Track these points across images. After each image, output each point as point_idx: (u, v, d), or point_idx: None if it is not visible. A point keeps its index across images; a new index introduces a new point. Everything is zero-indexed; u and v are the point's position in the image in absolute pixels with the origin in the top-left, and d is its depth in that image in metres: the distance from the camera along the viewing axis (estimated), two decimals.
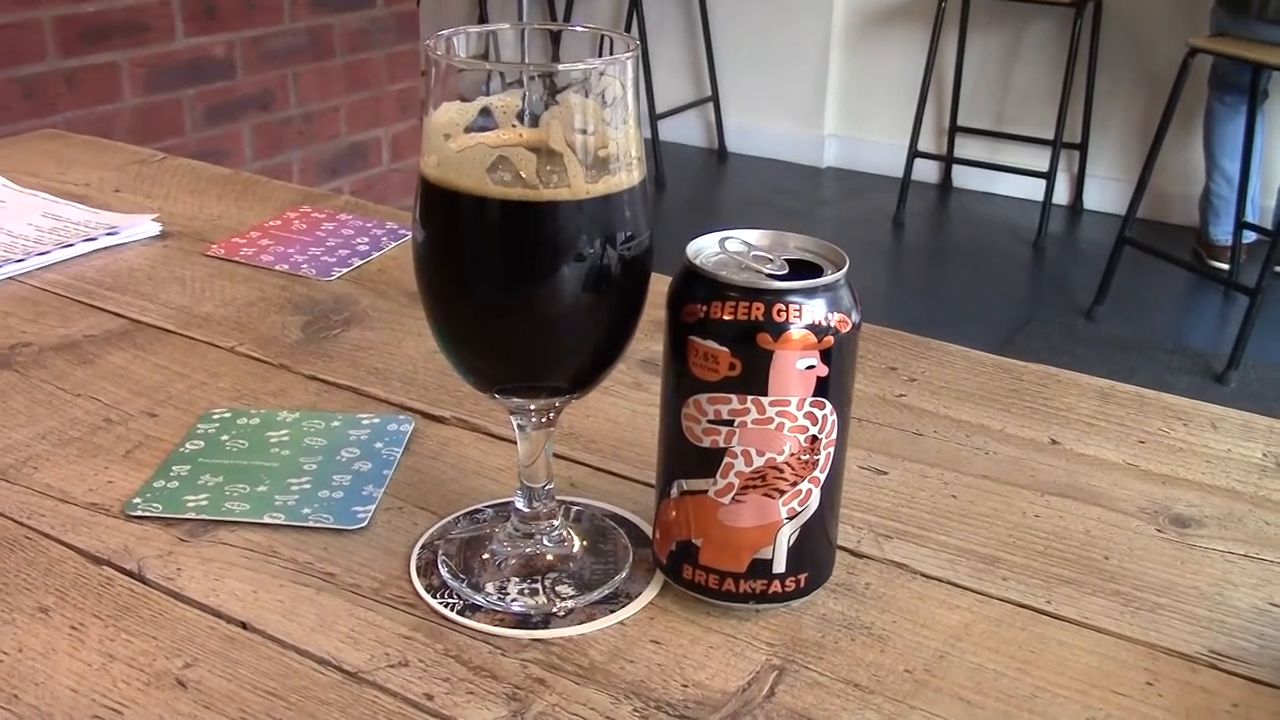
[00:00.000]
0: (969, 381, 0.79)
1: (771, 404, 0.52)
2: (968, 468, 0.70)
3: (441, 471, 0.68)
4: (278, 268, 0.94)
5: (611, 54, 0.52)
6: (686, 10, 4.69)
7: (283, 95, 2.81)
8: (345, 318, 0.86)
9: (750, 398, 0.52)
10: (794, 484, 0.54)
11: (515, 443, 0.59)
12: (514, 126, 0.52)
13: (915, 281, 3.86)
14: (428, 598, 0.57)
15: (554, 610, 0.56)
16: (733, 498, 0.54)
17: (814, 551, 0.56)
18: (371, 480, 0.66)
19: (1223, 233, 3.59)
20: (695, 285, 0.53)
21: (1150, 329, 3.34)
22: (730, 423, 0.53)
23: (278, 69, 2.78)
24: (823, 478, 0.55)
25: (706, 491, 0.54)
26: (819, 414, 0.53)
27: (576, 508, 0.64)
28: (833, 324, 0.52)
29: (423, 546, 0.60)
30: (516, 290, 0.52)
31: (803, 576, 0.56)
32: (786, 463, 0.53)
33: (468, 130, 0.53)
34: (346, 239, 0.99)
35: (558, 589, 0.57)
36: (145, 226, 1.00)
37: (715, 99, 4.70)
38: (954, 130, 4.32)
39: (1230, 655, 0.55)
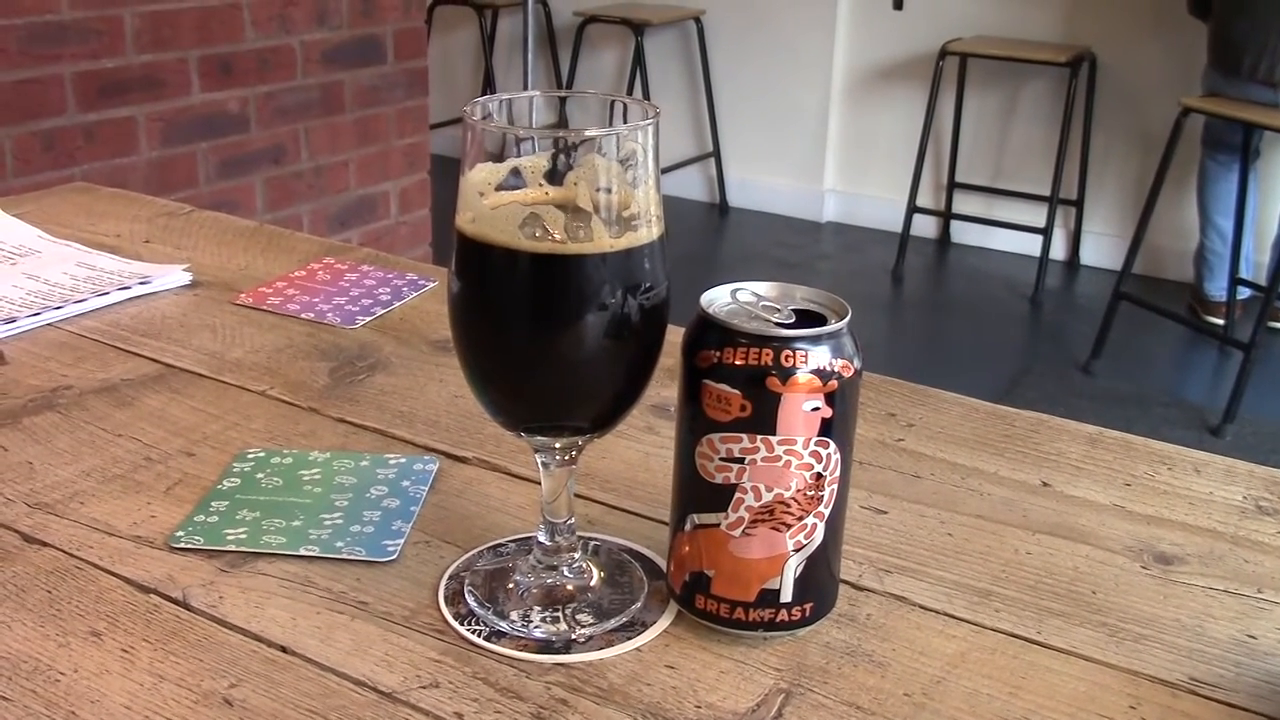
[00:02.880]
0: (964, 427, 0.83)
1: (780, 443, 0.56)
2: (963, 508, 0.74)
3: (465, 508, 0.72)
4: (304, 316, 0.98)
5: (626, 118, 0.57)
6: (689, 67, 4.78)
7: (294, 149, 2.87)
8: (370, 364, 0.90)
9: (760, 437, 0.56)
10: (800, 518, 0.58)
11: (535, 482, 0.63)
12: (540, 185, 0.57)
13: (914, 334, 3.91)
14: (456, 624, 0.60)
15: (575, 637, 0.60)
16: (743, 531, 0.58)
17: (818, 583, 0.60)
18: (400, 516, 0.70)
19: (1217, 288, 3.64)
20: (709, 333, 0.57)
21: (1146, 383, 3.39)
22: (741, 460, 0.57)
23: (289, 124, 2.84)
24: (827, 513, 0.59)
25: (718, 525, 0.58)
26: (824, 453, 0.57)
27: (595, 542, 0.67)
28: (836, 369, 0.56)
29: (450, 577, 0.64)
30: (544, 337, 0.56)
31: (808, 606, 0.60)
32: (793, 498, 0.57)
33: (499, 189, 0.57)
34: (369, 289, 1.03)
35: (578, 617, 0.61)
36: (176, 276, 1.04)
37: (717, 154, 4.77)
38: (952, 186, 4.40)
39: (1209, 682, 0.59)
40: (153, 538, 0.68)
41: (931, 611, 0.64)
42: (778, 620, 0.60)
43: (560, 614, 0.61)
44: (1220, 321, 3.60)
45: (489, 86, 4.80)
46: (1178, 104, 3.33)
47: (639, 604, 0.62)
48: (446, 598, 0.63)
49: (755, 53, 4.68)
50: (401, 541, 0.67)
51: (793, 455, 0.57)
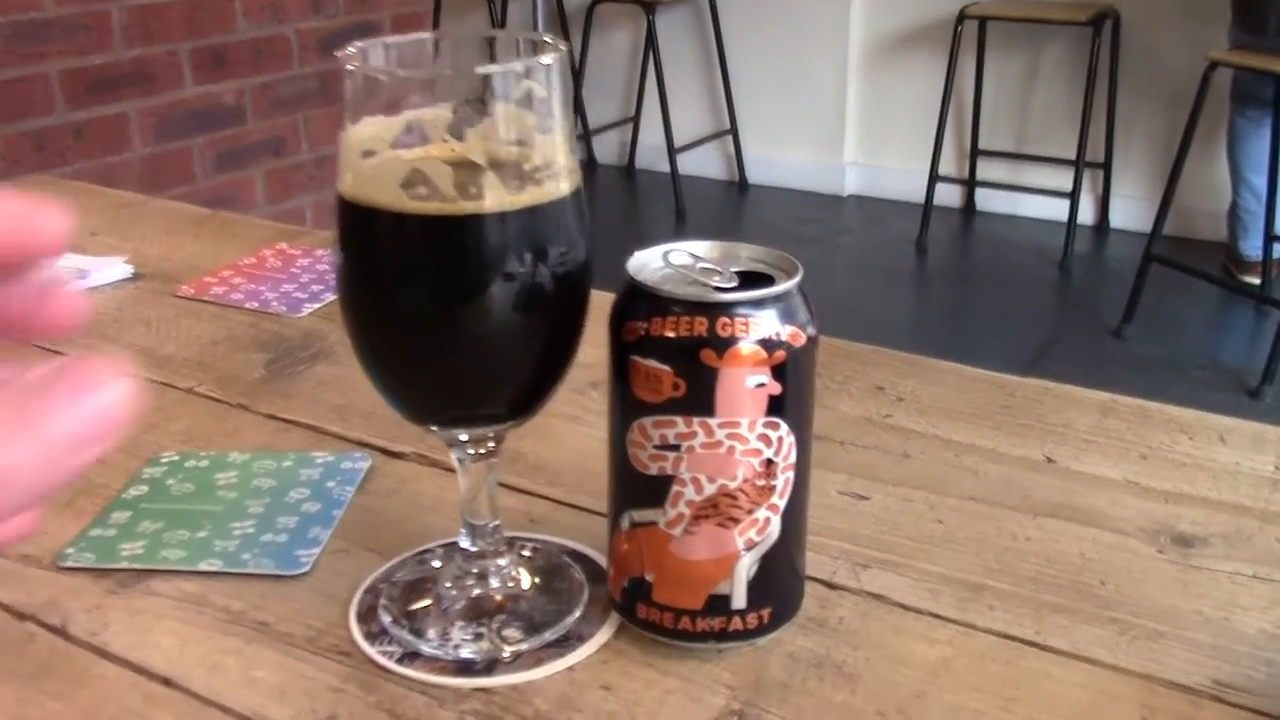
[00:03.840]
0: (960, 399, 0.75)
1: (720, 426, 0.48)
2: (955, 490, 0.65)
3: (395, 510, 0.64)
4: (247, 305, 0.91)
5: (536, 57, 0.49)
6: (702, 44, 4.69)
7: (294, 140, 2.81)
8: (312, 354, 0.83)
9: (697, 420, 0.48)
10: (750, 512, 0.50)
11: None
12: (445, 141, 0.49)
13: (940, 305, 3.80)
14: (365, 645, 0.53)
15: (500, 656, 0.52)
16: (684, 529, 0.50)
17: (778, 584, 0.52)
18: (319, 522, 0.62)
19: (1252, 248, 3.52)
20: (636, 301, 0.49)
21: (1181, 346, 3.27)
22: (677, 448, 0.49)
23: (288, 114, 2.78)
24: (782, 504, 0.51)
25: (656, 523, 0.50)
26: (774, 435, 0.49)
27: (533, 544, 0.60)
28: (784, 338, 0.48)
29: (365, 591, 0.57)
30: (440, 312, 0.48)
31: (766, 612, 0.52)
32: (740, 489, 0.49)
33: (395, 147, 0.49)
34: (321, 274, 0.96)
35: (505, 632, 0.53)
36: (116, 269, 0.97)
37: (734, 131, 4.67)
38: (975, 153, 4.28)
39: (1236, 686, 0.51)
40: (41, 556, 0.61)
41: (914, 611, 0.56)
42: (730, 629, 0.52)
43: (485, 630, 0.53)
44: (1256, 281, 3.47)
45: None
46: (1204, 59, 3.20)
47: (576, 614, 0.55)
48: (359, 614, 0.55)
49: (769, 26, 4.58)
50: (316, 551, 0.60)
51: (737, 440, 0.49)
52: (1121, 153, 4.08)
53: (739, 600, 0.51)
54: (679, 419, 0.48)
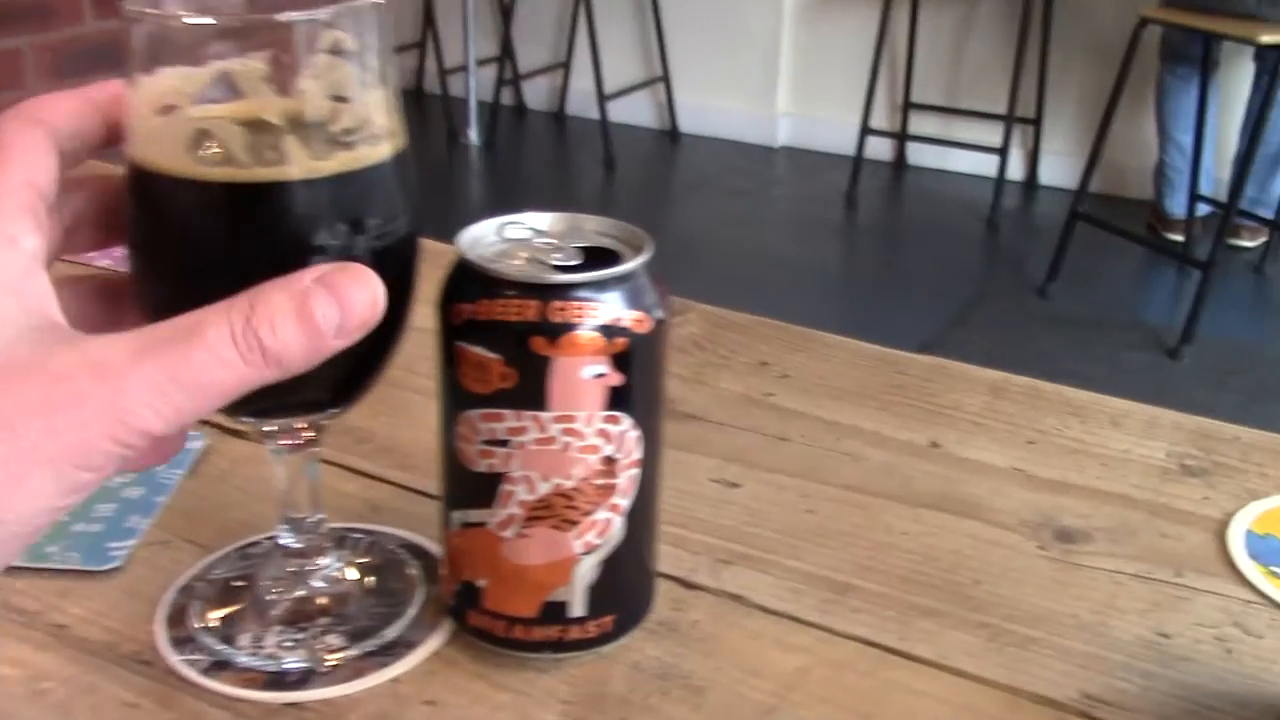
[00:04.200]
0: (848, 376, 0.71)
1: (554, 421, 0.44)
2: (833, 477, 0.62)
3: (226, 496, 0.59)
4: (100, 264, 0.84)
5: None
6: None
7: None
8: None
9: (529, 414, 0.44)
10: (588, 513, 0.45)
11: (321, 460, 0.51)
12: (261, 96, 0.43)
13: (868, 260, 3.79)
14: (169, 653, 0.48)
15: (317, 666, 0.47)
16: (516, 531, 0.46)
17: (622, 589, 0.48)
18: (139, 510, 0.57)
19: (1177, 205, 3.53)
20: (464, 280, 0.44)
21: (1104, 305, 3.28)
22: (506, 443, 0.44)
23: None
24: (625, 504, 0.46)
25: (486, 524, 0.46)
26: (614, 430, 0.45)
27: (370, 538, 0.55)
28: (627, 323, 0.44)
29: (179, 590, 0.52)
30: (239, 290, 0.43)
31: (608, 619, 0.48)
32: (577, 489, 0.45)
33: (198, 102, 0.44)
34: None
35: (326, 639, 0.49)
36: None
37: (666, 79, 4.61)
38: (907, 107, 4.25)
39: (1107, 700, 0.47)
40: None
41: (773, 615, 0.52)
42: (568, 639, 0.47)
43: (304, 637, 0.49)
44: (1180, 239, 3.49)
45: (430, 26, 4.60)
46: (1135, 15, 3.19)
47: (407, 619, 0.50)
48: (168, 618, 0.50)
49: None
50: (131, 544, 0.55)
51: (572, 435, 0.44)
52: (1053, 109, 4.07)
53: (577, 608, 0.47)
54: (508, 412, 0.44)
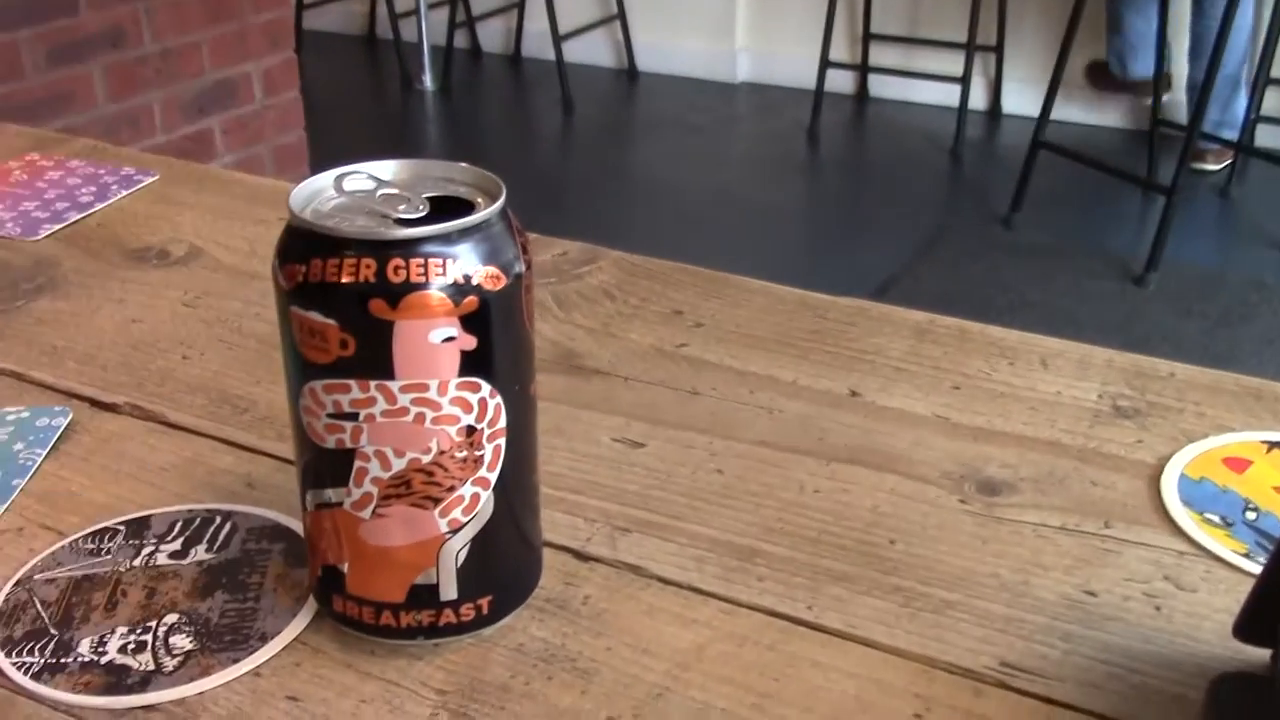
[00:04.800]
0: (765, 323, 0.67)
1: (403, 390, 0.40)
2: (744, 433, 0.58)
3: (90, 476, 0.55)
4: None
5: None
6: None
7: (135, 31, 2.61)
8: (38, 285, 0.72)
9: (375, 384, 0.40)
10: (451, 489, 0.41)
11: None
12: None
13: (830, 195, 3.73)
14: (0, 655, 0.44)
15: (161, 664, 0.43)
16: (373, 511, 0.42)
17: (499, 568, 0.44)
18: None
19: (1143, 68, 3.47)
20: (295, 240, 0.40)
21: (1068, 234, 3.24)
22: (355, 416, 0.40)
23: (127, 2, 2.58)
24: (493, 477, 0.42)
25: (342, 504, 0.42)
26: (473, 398, 0.41)
27: (234, 519, 0.51)
28: (477, 280, 0.39)
29: (16, 583, 0.48)
30: None
31: (484, 601, 0.44)
32: (437, 463, 0.41)
33: None
34: (69, 190, 0.84)
35: (172, 638, 0.45)
36: None
37: (622, 16, 4.51)
38: (867, 38, 4.17)
39: (1025, 668, 0.44)
40: None
41: (673, 586, 0.48)
42: (441, 624, 0.44)
43: (150, 632, 0.45)
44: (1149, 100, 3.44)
45: None
46: None
47: (263, 607, 0.46)
48: (4, 614, 0.46)
49: None
50: None
51: (426, 406, 0.40)
52: (1014, 36, 4.01)
53: (448, 590, 0.43)
54: (353, 383, 0.40)
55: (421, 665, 0.44)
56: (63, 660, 0.44)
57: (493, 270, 0.40)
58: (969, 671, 0.44)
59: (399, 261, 0.38)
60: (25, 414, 0.59)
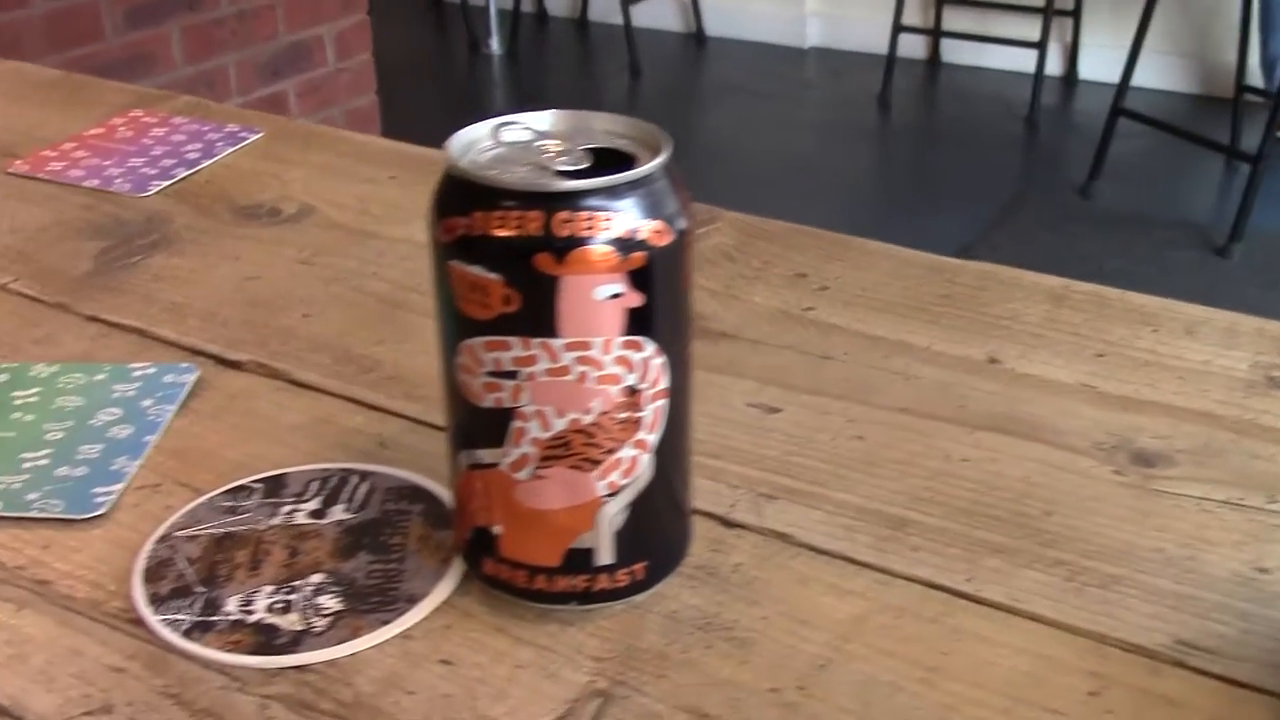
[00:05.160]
0: (893, 287, 0.65)
1: (567, 348, 0.38)
2: (882, 399, 0.56)
3: (221, 434, 0.54)
4: (86, 184, 0.79)
5: None
6: None
7: None
8: (152, 241, 0.72)
9: (537, 341, 0.38)
10: (611, 451, 0.40)
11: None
12: None
13: (902, 162, 3.68)
14: (148, 613, 0.44)
15: (311, 625, 0.43)
16: (531, 472, 0.40)
17: (654, 533, 0.43)
18: (127, 451, 0.53)
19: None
20: (455, 192, 0.39)
21: (1149, 203, 3.17)
22: (515, 375, 0.39)
23: None
24: (653, 440, 0.41)
25: (498, 465, 0.41)
26: (636, 358, 0.39)
27: (371, 479, 0.50)
28: (644, 235, 0.38)
29: (159, 540, 0.47)
30: None
31: (639, 566, 0.43)
32: (597, 424, 0.40)
33: None
34: (175, 146, 0.84)
35: (319, 597, 0.44)
36: None
37: None
38: (941, 2, 4.10)
39: (1203, 647, 0.42)
40: None
41: (825, 555, 0.47)
42: (596, 589, 0.42)
43: (296, 592, 0.44)
44: None
45: None
46: None
47: (410, 570, 0.45)
48: (147, 572, 0.45)
49: None
50: (118, 489, 0.50)
51: (589, 365, 0.39)
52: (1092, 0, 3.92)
53: (605, 555, 0.42)
54: (514, 340, 0.38)
55: (574, 631, 0.43)
56: (211, 618, 0.43)
57: (658, 225, 0.38)
58: (1143, 649, 0.42)
59: (566, 215, 0.37)
60: (152, 370, 0.58)
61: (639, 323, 0.39)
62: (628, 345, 0.39)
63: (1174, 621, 0.43)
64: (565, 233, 0.37)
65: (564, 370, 0.39)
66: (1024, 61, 3.81)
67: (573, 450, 0.40)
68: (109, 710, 0.40)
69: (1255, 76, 3.38)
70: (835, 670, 0.41)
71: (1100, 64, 3.91)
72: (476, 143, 0.40)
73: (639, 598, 0.44)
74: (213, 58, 2.65)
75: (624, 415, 0.40)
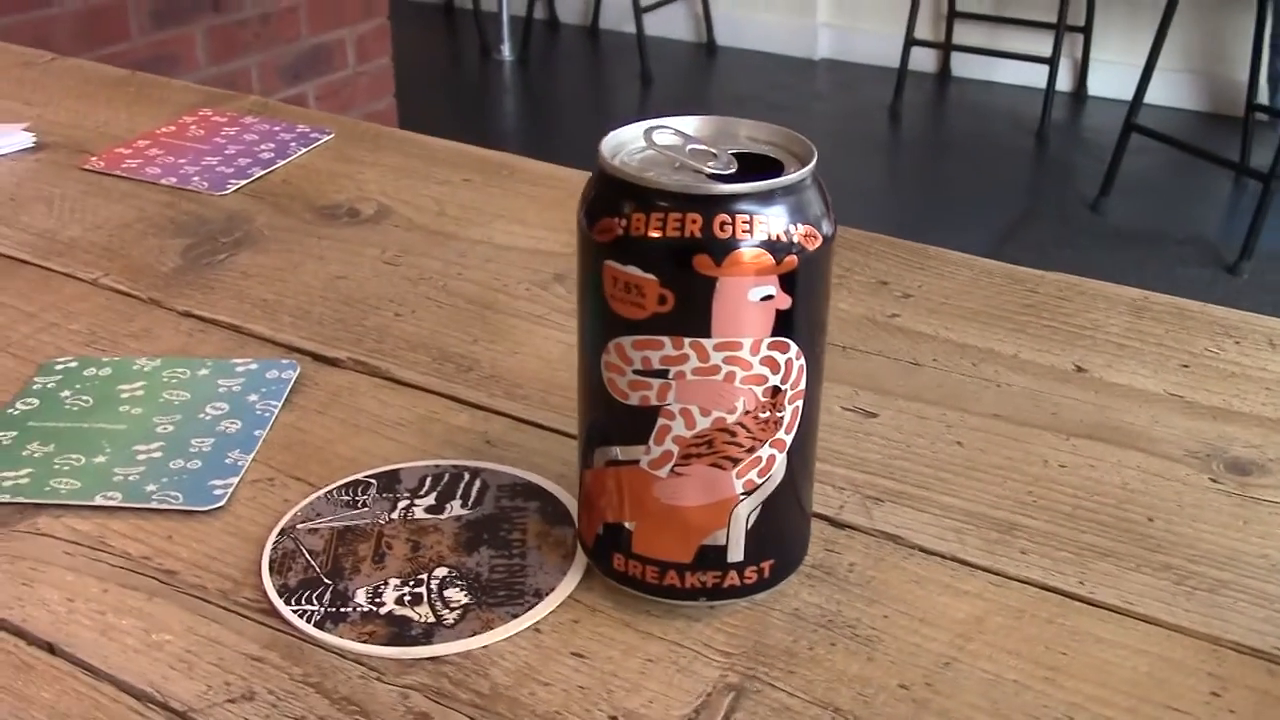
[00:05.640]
0: (974, 296, 0.66)
1: (717, 348, 0.39)
2: (975, 405, 0.57)
3: (329, 429, 0.55)
4: (164, 181, 0.80)
5: None
6: None
7: None
8: (236, 239, 0.73)
9: (689, 341, 0.39)
10: (751, 450, 0.41)
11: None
12: None
13: (913, 176, 3.70)
14: (279, 603, 0.44)
15: (441, 617, 0.44)
16: (671, 469, 0.41)
17: (782, 532, 0.44)
18: (239, 444, 0.53)
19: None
20: (611, 192, 0.40)
21: (1159, 220, 3.19)
22: (664, 374, 0.40)
23: None
24: (789, 440, 0.42)
25: (638, 462, 0.42)
26: (781, 359, 0.40)
27: (482, 476, 0.51)
28: (796, 239, 0.39)
29: (281, 533, 0.48)
30: None
31: (767, 564, 0.44)
32: (740, 423, 0.41)
33: None
34: (248, 145, 0.85)
35: (446, 590, 0.45)
36: (16, 138, 0.86)
37: None
38: (952, 16, 4.12)
39: None
40: None
41: (936, 557, 0.48)
42: (726, 586, 0.43)
43: (423, 585, 0.45)
44: None
45: None
46: None
47: (533, 565, 0.46)
48: (273, 563, 0.46)
49: None
50: (235, 481, 0.51)
51: (737, 365, 0.40)
52: (1103, 16, 3.94)
53: (736, 552, 0.43)
54: (666, 339, 0.39)
55: (701, 627, 0.44)
56: (342, 609, 0.44)
57: (808, 229, 0.39)
58: (1258, 651, 0.43)
59: (725, 217, 0.38)
60: (254, 366, 0.59)
61: (785, 325, 0.40)
62: (774, 346, 0.40)
63: None
64: (725, 235, 0.38)
65: (713, 370, 0.39)
66: (1035, 77, 3.83)
67: (715, 448, 0.41)
68: (251, 698, 0.41)
69: (1267, 95, 3.41)
70: (960, 668, 0.42)
71: (1110, 80, 3.94)
72: (625, 145, 0.41)
73: (760, 595, 0.45)
74: (236, 59, 2.66)
75: (765, 415, 0.41)
